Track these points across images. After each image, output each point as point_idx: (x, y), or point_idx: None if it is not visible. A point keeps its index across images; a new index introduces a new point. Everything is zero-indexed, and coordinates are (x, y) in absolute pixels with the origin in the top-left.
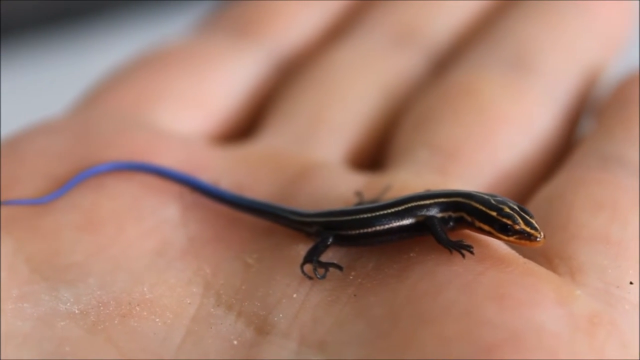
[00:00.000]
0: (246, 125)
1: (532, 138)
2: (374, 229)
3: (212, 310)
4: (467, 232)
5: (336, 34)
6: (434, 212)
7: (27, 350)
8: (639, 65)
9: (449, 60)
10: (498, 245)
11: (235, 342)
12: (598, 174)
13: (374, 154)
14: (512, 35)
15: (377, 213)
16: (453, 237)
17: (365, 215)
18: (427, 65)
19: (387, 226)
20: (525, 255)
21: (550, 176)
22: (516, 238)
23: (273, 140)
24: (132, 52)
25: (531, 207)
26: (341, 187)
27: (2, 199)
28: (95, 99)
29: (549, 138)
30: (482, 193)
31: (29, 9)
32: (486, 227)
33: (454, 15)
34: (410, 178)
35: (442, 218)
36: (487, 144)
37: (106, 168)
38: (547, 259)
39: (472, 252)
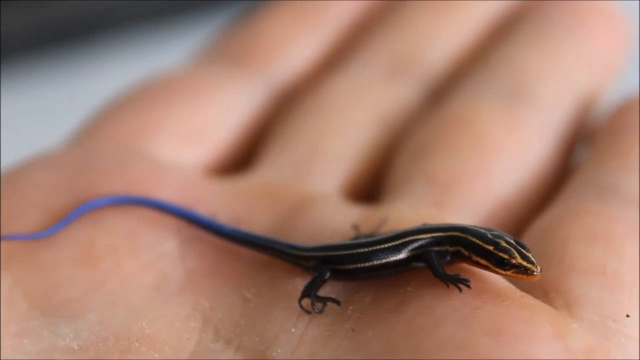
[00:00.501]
0: (244, 156)
1: (528, 168)
2: (371, 263)
3: (210, 345)
4: (464, 266)
5: (332, 64)
6: (430, 246)
7: None
8: (639, 92)
9: (445, 90)
10: (495, 279)
11: None
12: (593, 204)
13: (370, 185)
14: (508, 65)
15: (374, 247)
16: (450, 271)
17: (362, 250)
18: (423, 95)
19: (384, 260)
20: (522, 289)
21: (546, 206)
22: (513, 272)
23: (270, 172)
24: (130, 80)
25: (526, 238)
26: (338, 220)
27: (0, 234)
28: (92, 130)
29: (545, 168)
30: (478, 227)
31: (27, 35)
32: (483, 261)
33: (450, 45)
34: (406, 211)
35: (439, 252)
36: (483, 175)
37: (104, 202)
38: (544, 292)
39: (469, 286)
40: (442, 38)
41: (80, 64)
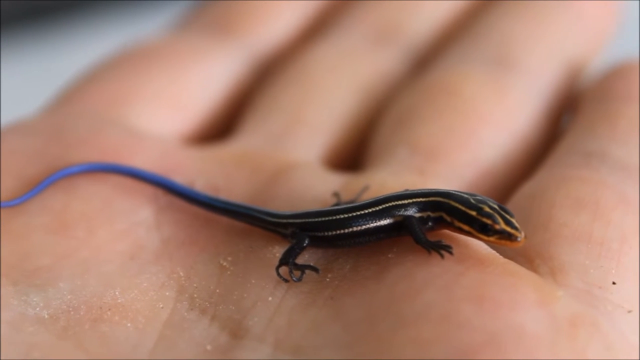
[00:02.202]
0: (224, 125)
1: (514, 136)
2: (351, 229)
3: (185, 314)
4: (447, 232)
5: (316, 32)
6: (412, 212)
7: None
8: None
9: (430, 59)
10: (478, 245)
11: (208, 347)
12: (580, 171)
13: (352, 154)
14: (494, 33)
15: (354, 214)
16: (432, 237)
17: (342, 216)
18: (408, 64)
19: (364, 227)
20: (505, 256)
21: (532, 174)
22: (496, 238)
23: (250, 140)
24: (109, 50)
25: (512, 205)
26: (318, 188)
27: None
28: (69, 98)
29: (531, 135)
30: (461, 192)
31: (5, 6)
32: (466, 227)
33: (435, 13)
34: (389, 178)
35: (421, 218)
36: (468, 143)
37: (78, 169)
38: (528, 259)
39: (451, 253)
40: (428, 6)
41: (59, 35)
